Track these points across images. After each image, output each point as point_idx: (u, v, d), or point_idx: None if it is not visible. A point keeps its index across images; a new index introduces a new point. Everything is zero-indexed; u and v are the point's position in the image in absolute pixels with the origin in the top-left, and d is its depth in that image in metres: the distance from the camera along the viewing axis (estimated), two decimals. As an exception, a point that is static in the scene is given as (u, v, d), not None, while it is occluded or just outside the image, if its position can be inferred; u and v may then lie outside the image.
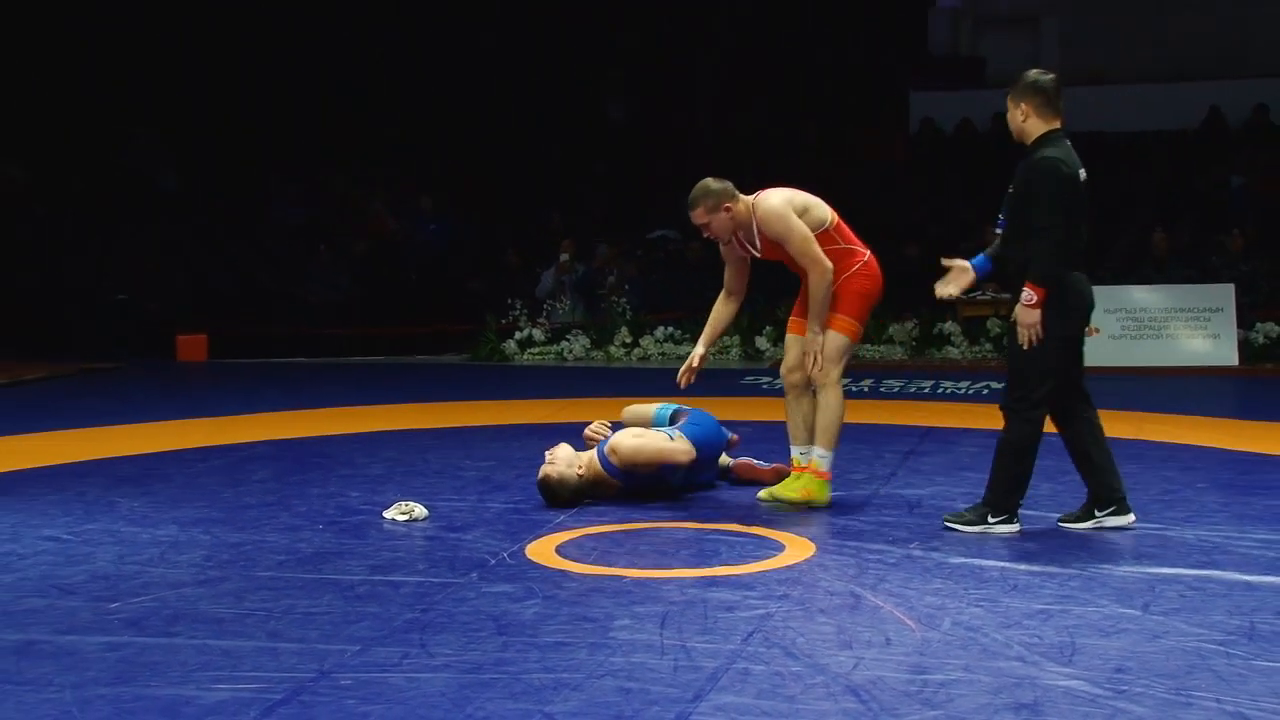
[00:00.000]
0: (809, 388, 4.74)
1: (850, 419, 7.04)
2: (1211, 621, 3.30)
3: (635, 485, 4.84)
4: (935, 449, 6.03)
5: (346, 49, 14.54)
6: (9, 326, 11.32)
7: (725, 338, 10.76)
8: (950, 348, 10.37)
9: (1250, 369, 9.59)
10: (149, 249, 12.35)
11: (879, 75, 15.43)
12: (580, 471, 4.76)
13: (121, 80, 13.61)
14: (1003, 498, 4.28)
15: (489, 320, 11.12)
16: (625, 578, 3.79)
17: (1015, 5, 16.54)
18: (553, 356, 10.89)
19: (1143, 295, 10.06)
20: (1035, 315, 4.11)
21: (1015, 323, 4.17)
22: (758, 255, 4.76)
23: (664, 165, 13.44)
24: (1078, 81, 15.86)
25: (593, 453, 4.86)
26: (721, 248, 4.81)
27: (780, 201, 4.61)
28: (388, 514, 4.60)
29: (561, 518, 4.58)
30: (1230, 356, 9.67)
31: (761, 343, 10.78)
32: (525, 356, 10.86)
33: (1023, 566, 3.87)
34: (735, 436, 5.29)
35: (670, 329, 10.82)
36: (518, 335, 11.03)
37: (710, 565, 3.94)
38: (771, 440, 6.30)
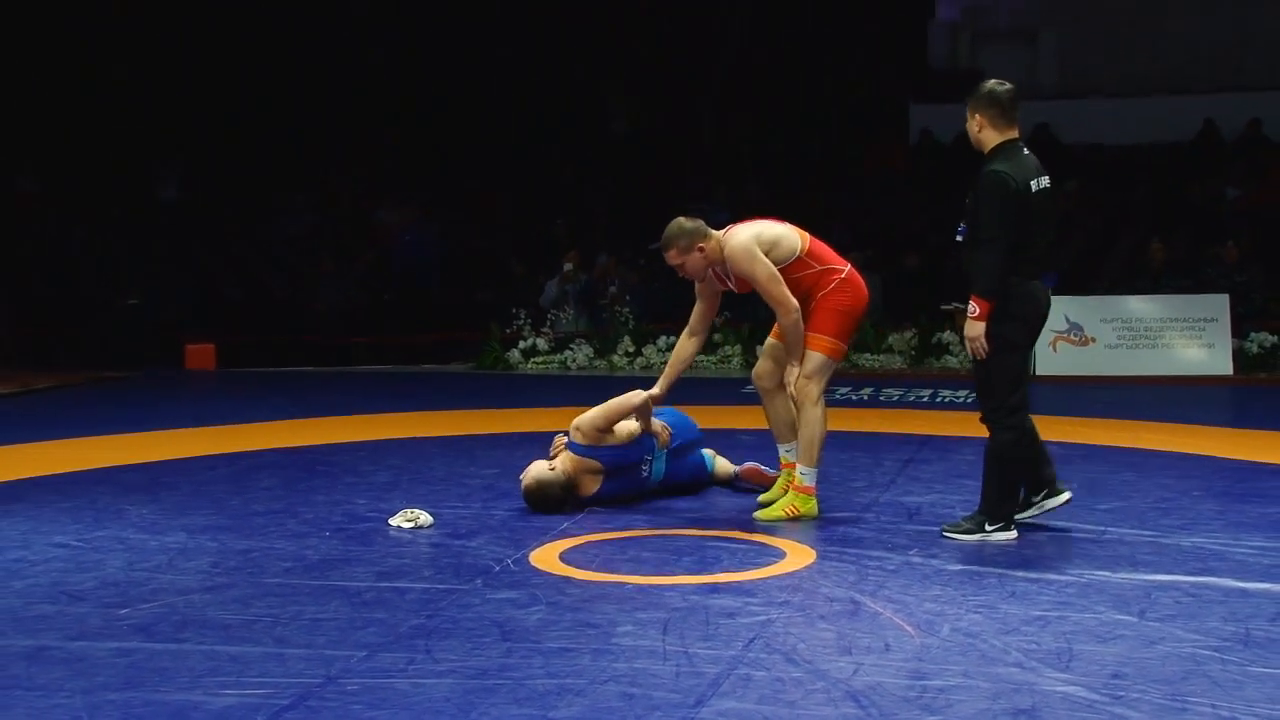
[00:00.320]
0: (779, 389, 4.80)
1: (851, 427, 7.16)
2: (1207, 628, 3.33)
3: (615, 462, 4.85)
4: (934, 457, 6.06)
5: (354, 59, 14.61)
6: (19, 335, 11.37)
7: (727, 347, 10.82)
8: (949, 357, 10.41)
9: (1245, 378, 9.63)
10: (158, 259, 12.40)
11: (879, 88, 15.51)
12: (553, 467, 4.82)
13: (131, 92, 13.67)
14: (996, 506, 4.33)
15: (494, 330, 11.17)
16: (628, 584, 3.82)
17: (1013, 19, 16.62)
18: (556, 365, 10.94)
19: (1139, 305, 10.11)
20: (979, 328, 4.18)
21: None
22: (734, 290, 4.83)
23: (667, 177, 13.52)
24: (1075, 94, 15.96)
25: (563, 450, 4.91)
26: (697, 286, 4.87)
27: (747, 239, 4.64)
28: (393, 521, 4.64)
29: (565, 525, 4.62)
30: (1225, 366, 9.72)
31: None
32: (529, 365, 10.91)
33: (1020, 573, 3.90)
34: (730, 467, 5.30)
35: (672, 338, 10.84)
36: (522, 344, 11.08)
37: (712, 572, 3.97)
38: (771, 448, 6.33)
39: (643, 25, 15.44)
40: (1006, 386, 4.27)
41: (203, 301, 12.34)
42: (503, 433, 6.89)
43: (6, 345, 11.24)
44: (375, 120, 14.68)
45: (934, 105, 14.94)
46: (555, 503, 4.77)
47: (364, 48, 14.81)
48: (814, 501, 4.72)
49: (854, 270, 4.80)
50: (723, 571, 3.98)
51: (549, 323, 11.29)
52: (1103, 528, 4.51)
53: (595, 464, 4.86)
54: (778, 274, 4.61)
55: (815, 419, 4.66)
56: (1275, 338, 9.99)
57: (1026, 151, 4.30)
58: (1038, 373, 9.87)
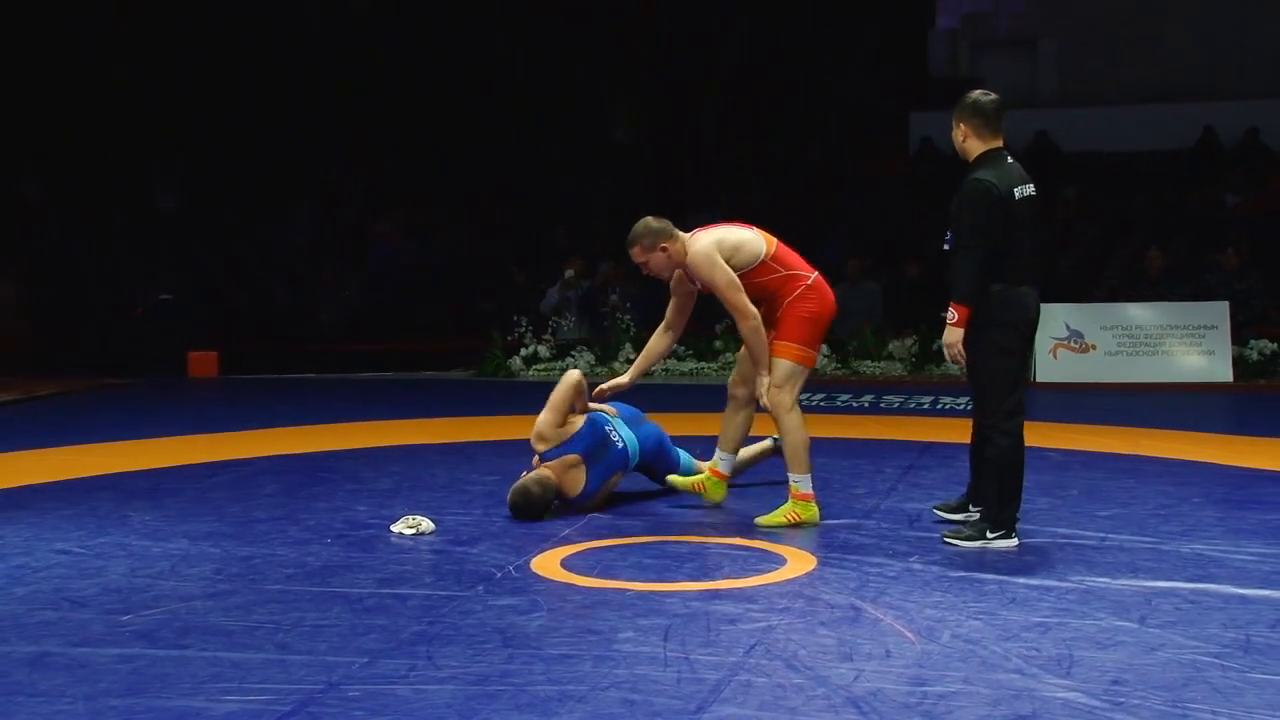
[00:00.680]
0: (749, 402, 4.83)
1: (852, 433, 7.17)
2: (1207, 634, 3.34)
3: (586, 446, 4.87)
4: (935, 464, 6.07)
5: (356, 66, 14.64)
6: (23, 342, 11.40)
7: (730, 354, 10.84)
8: (949, 364, 10.43)
9: (1245, 385, 9.63)
10: (160, 266, 12.43)
11: (879, 96, 15.55)
12: (528, 474, 4.85)
13: (132, 98, 13.71)
14: (998, 513, 4.34)
15: (495, 337, 11.18)
16: (629, 591, 3.83)
17: (1013, 27, 16.67)
18: (558, 373, 10.92)
19: (1138, 312, 10.12)
20: (958, 334, 4.21)
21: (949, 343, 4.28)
22: (703, 290, 4.85)
23: (668, 184, 13.54)
24: (1074, 102, 16.01)
25: (536, 461, 4.93)
26: (671, 284, 4.91)
27: (708, 245, 4.66)
28: (395, 528, 4.65)
29: (566, 531, 4.63)
30: (1225, 373, 9.72)
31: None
32: (530, 373, 10.91)
33: (1021, 580, 3.91)
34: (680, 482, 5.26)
35: (675, 345, 10.88)
36: (523, 352, 11.09)
37: (713, 578, 3.98)
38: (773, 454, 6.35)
39: (644, 32, 15.49)
40: (1001, 392, 4.29)
41: (206, 309, 12.35)
42: (504, 440, 6.89)
43: (18, 350, 11.28)
44: (377, 128, 14.72)
45: (934, 113, 14.98)
46: (539, 505, 4.77)
47: (365, 55, 14.85)
48: (815, 507, 4.74)
49: (820, 277, 4.83)
50: (724, 578, 3.99)
51: (550, 330, 11.30)
52: (1103, 534, 4.52)
53: (572, 457, 4.89)
54: (737, 281, 4.63)
55: (794, 426, 4.67)
56: (1275, 345, 9.99)
57: (1011, 160, 4.34)
58: (1038, 379, 9.89)
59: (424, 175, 14.47)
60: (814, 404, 8.79)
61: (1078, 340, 9.99)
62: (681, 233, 4.76)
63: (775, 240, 4.80)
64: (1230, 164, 13.93)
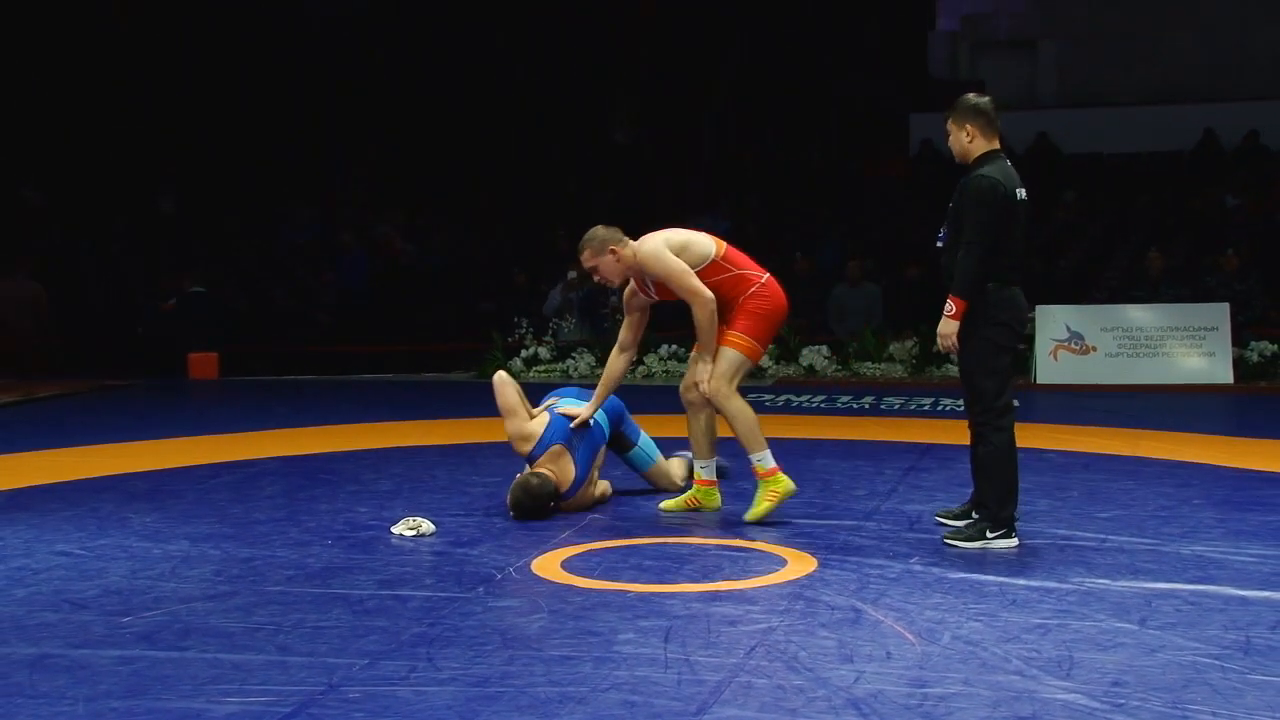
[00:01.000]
0: (706, 404, 4.84)
1: (852, 435, 7.18)
2: (1208, 636, 3.34)
3: (562, 429, 4.93)
4: (935, 465, 6.07)
5: (358, 70, 14.66)
6: (26, 344, 11.42)
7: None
8: (950, 366, 10.43)
9: (1245, 387, 9.64)
10: (161, 269, 12.43)
11: (880, 98, 15.57)
12: (521, 476, 4.89)
13: (135, 102, 13.73)
14: (997, 511, 4.36)
15: (496, 338, 11.19)
16: (630, 592, 3.83)
17: (1013, 29, 16.69)
18: (558, 374, 10.95)
19: (1139, 314, 10.13)
20: (953, 326, 4.27)
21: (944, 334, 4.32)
22: (655, 298, 4.90)
23: (668, 187, 13.55)
24: (1074, 103, 16.03)
25: (528, 468, 4.97)
26: (624, 300, 4.96)
27: (657, 243, 4.74)
28: (395, 529, 4.65)
29: (566, 533, 4.63)
30: (1225, 374, 9.73)
31: (764, 360, 10.84)
32: (531, 374, 10.92)
33: (1021, 581, 3.91)
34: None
35: (674, 346, 10.89)
36: (524, 353, 11.10)
37: (713, 580, 3.98)
38: (774, 456, 6.34)
39: (645, 34, 15.50)
40: (996, 390, 4.34)
41: (208, 311, 12.35)
42: (505, 441, 6.86)
43: (31, 355, 11.32)
44: (377, 129, 14.73)
45: (934, 114, 15.00)
46: (542, 498, 4.79)
47: (366, 56, 14.87)
48: (784, 478, 4.75)
49: (773, 279, 4.86)
50: (724, 579, 3.98)
51: (551, 331, 11.31)
52: (1103, 536, 4.52)
53: (556, 446, 4.93)
54: (688, 268, 4.69)
55: (738, 410, 4.72)
56: (1275, 346, 10.00)
57: (1008, 162, 4.41)
58: (1039, 381, 9.91)
59: (425, 177, 14.49)
60: (815, 405, 8.80)
61: (1078, 342, 10.00)
62: (631, 240, 4.83)
63: (724, 243, 4.87)
64: (1231, 166, 13.94)
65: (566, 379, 10.89)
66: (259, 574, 4.08)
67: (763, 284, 4.79)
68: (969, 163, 4.39)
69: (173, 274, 11.91)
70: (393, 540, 4.56)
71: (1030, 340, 10.05)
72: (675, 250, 4.71)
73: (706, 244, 4.78)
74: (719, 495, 5.02)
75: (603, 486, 5.22)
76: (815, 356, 10.73)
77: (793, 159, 15.33)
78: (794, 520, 4.81)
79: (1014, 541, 4.36)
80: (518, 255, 13.19)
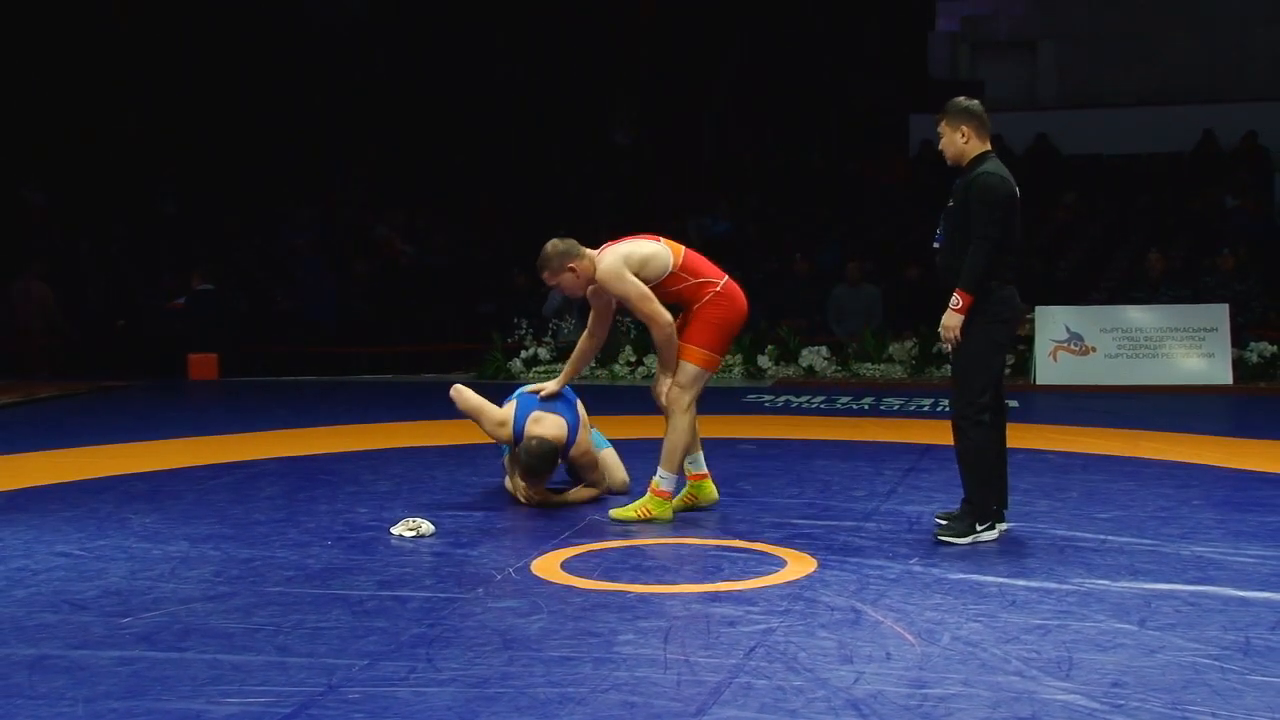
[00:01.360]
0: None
1: (851, 436, 7.18)
2: (1207, 636, 3.34)
3: (538, 404, 5.11)
4: (935, 466, 6.07)
5: (357, 71, 14.66)
6: (23, 346, 11.43)
7: (728, 356, 10.86)
8: (949, 366, 10.44)
9: (1245, 387, 9.65)
10: (161, 269, 12.44)
11: (879, 99, 15.59)
12: (516, 450, 4.99)
13: (137, 104, 13.74)
14: (981, 502, 4.40)
15: (495, 339, 11.19)
16: (629, 593, 3.83)
17: (1013, 30, 16.71)
18: (558, 375, 10.97)
19: (1138, 315, 10.13)
20: (958, 320, 4.31)
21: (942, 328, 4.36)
22: (615, 305, 4.98)
23: (669, 188, 13.56)
24: (1074, 104, 16.04)
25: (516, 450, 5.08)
26: (589, 295, 5.01)
27: (615, 261, 4.76)
28: (395, 530, 4.65)
29: (566, 534, 4.64)
30: (1225, 375, 9.73)
31: (763, 361, 10.86)
32: (531, 375, 10.92)
33: (1021, 582, 3.91)
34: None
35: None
36: (524, 354, 11.10)
37: (713, 581, 3.98)
38: (774, 457, 6.36)
39: (645, 36, 15.51)
40: (983, 385, 4.39)
41: (210, 311, 12.34)
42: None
43: (38, 355, 11.34)
44: (377, 131, 14.74)
45: (934, 116, 15.02)
46: (550, 452, 4.92)
47: (366, 58, 14.88)
48: (668, 506, 4.82)
49: (732, 283, 4.90)
50: (724, 580, 3.99)
51: (551, 332, 11.31)
52: (1103, 536, 4.52)
53: (534, 413, 5.05)
54: (647, 292, 4.74)
55: (683, 427, 4.78)
56: (1275, 347, 10.01)
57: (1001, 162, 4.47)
58: (1038, 382, 9.91)
59: (425, 178, 14.49)
60: (814, 406, 8.81)
61: (1078, 343, 10.01)
62: (589, 250, 4.87)
63: (683, 249, 4.90)
64: (1230, 166, 13.95)
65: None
66: (258, 575, 4.08)
67: (718, 291, 4.82)
68: (963, 164, 4.42)
69: (178, 272, 11.91)
70: (392, 541, 4.56)
71: (1030, 341, 10.06)
72: (635, 267, 4.75)
73: (664, 257, 4.81)
74: (713, 487, 5.03)
75: (620, 474, 5.29)
76: (815, 357, 10.74)
77: (792, 160, 15.34)
78: (793, 521, 4.81)
79: (995, 533, 4.43)
80: (517, 256, 13.19)
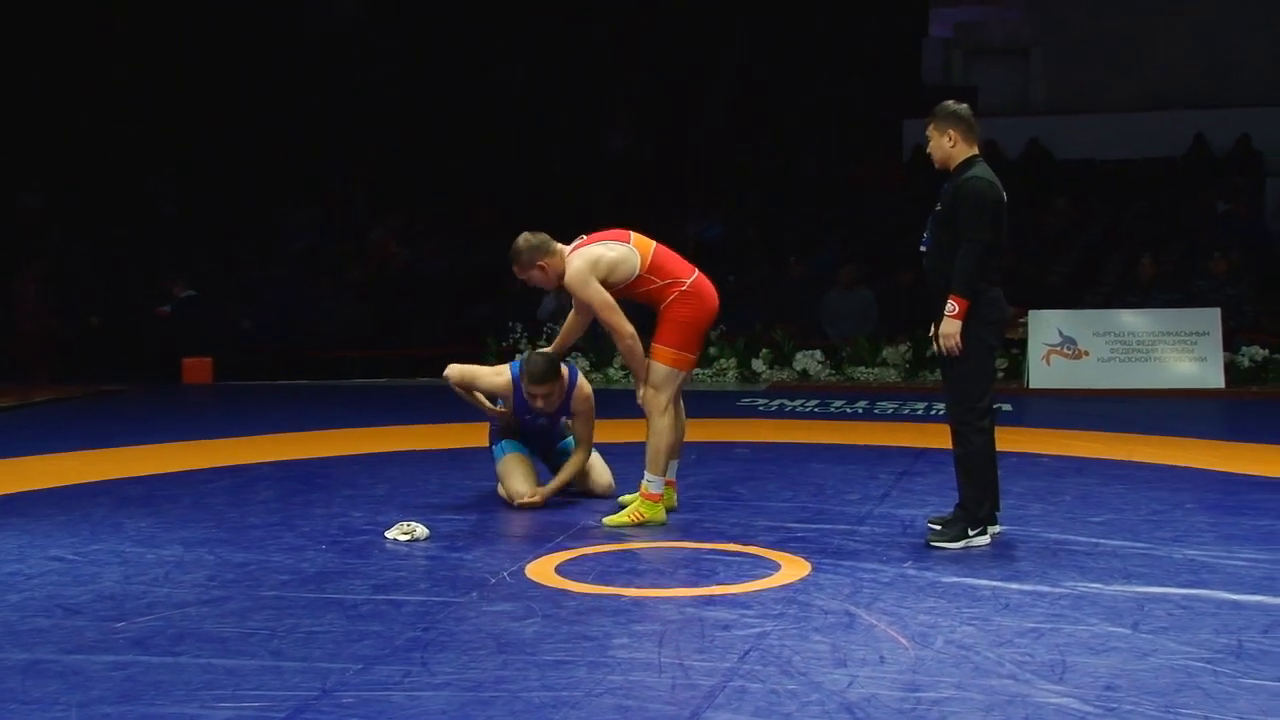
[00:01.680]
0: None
1: (846, 439, 7.19)
2: (1200, 640, 3.36)
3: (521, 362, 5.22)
4: (928, 469, 6.08)
5: (356, 76, 14.66)
6: (20, 349, 11.41)
7: (723, 360, 10.88)
8: (941, 372, 10.46)
9: (1237, 391, 9.67)
10: (158, 273, 12.42)
11: (873, 104, 15.62)
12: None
13: (133, 104, 13.72)
14: (975, 509, 4.41)
15: (490, 343, 11.19)
16: (624, 597, 3.83)
17: (1006, 36, 16.76)
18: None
19: (1131, 319, 10.16)
20: (956, 326, 4.31)
21: (934, 336, 4.38)
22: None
23: (664, 192, 13.57)
24: (1066, 109, 16.09)
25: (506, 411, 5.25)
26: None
27: (583, 267, 4.78)
28: (390, 534, 4.65)
29: (560, 538, 4.64)
30: (1217, 379, 9.76)
31: (758, 365, 10.87)
32: (524, 379, 10.93)
33: (1014, 586, 3.92)
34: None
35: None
36: (518, 357, 11.09)
37: (707, 584, 3.99)
38: (768, 461, 6.37)
39: (642, 42, 15.54)
40: (981, 389, 4.40)
41: (202, 316, 12.32)
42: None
43: (35, 359, 11.32)
44: (374, 135, 14.73)
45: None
46: (552, 356, 5.07)
47: (364, 63, 14.88)
48: (660, 508, 4.83)
49: (701, 280, 4.90)
50: (718, 584, 3.99)
51: (545, 335, 11.31)
52: (1096, 540, 4.53)
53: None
54: (611, 301, 4.77)
55: (663, 429, 4.80)
56: (1266, 351, 10.04)
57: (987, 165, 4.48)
58: (1032, 385, 9.93)
59: (421, 181, 14.49)
60: (808, 410, 8.82)
61: (1071, 346, 10.03)
62: (561, 246, 4.89)
63: (652, 248, 4.91)
64: (1222, 171, 14.00)
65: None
66: (253, 579, 4.08)
67: (685, 289, 4.82)
68: (950, 168, 4.44)
69: (174, 275, 11.90)
70: (387, 545, 4.56)
71: (1023, 345, 10.09)
72: (603, 273, 4.77)
73: (631, 261, 4.82)
74: (673, 496, 5.04)
75: (605, 477, 5.33)
76: (809, 361, 10.75)
77: (787, 165, 15.36)
78: (788, 525, 4.82)
79: (987, 539, 4.44)
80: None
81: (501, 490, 5.29)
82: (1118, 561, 4.22)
